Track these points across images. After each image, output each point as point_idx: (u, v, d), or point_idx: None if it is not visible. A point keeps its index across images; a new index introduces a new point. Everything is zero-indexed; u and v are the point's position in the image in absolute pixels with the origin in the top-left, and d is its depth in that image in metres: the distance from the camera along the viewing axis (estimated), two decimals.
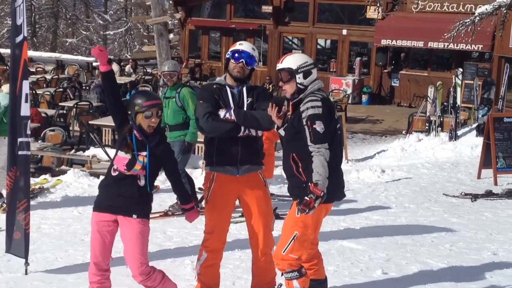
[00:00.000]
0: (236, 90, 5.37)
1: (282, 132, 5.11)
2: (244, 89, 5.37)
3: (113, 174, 4.99)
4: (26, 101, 6.44)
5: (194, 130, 8.75)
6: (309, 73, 5.00)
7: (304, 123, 4.84)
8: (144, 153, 4.88)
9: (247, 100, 5.33)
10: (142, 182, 4.94)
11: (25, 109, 6.42)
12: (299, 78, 4.97)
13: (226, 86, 5.36)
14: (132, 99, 4.96)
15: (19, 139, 6.43)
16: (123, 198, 4.93)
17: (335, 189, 4.99)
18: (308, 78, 4.99)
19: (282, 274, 5.18)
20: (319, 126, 4.78)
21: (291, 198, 5.13)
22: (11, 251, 6.59)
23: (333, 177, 4.85)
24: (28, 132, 6.46)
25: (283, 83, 5.05)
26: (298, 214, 4.91)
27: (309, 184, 4.74)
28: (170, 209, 8.98)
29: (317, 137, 4.78)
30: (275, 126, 5.15)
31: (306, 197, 4.71)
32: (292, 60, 5.02)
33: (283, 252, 5.02)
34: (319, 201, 4.70)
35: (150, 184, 4.99)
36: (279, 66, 5.05)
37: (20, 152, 6.43)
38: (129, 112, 4.91)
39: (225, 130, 5.23)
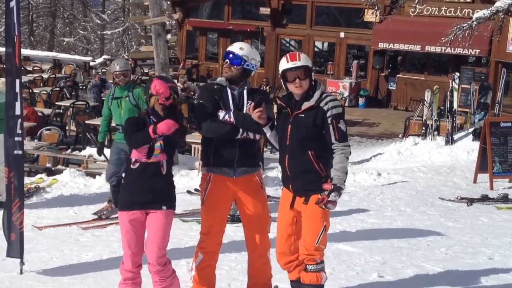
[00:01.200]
0: (236, 92, 5.35)
1: (267, 130, 5.17)
2: (245, 91, 5.36)
3: (134, 167, 5.03)
4: (16, 100, 6.41)
5: None
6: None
7: (329, 122, 4.95)
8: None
9: (247, 103, 5.31)
10: (164, 169, 5.02)
11: (17, 108, 6.40)
12: (312, 76, 5.09)
13: (227, 87, 5.35)
14: (148, 84, 5.08)
15: (15, 139, 6.41)
16: (151, 192, 5.00)
17: None
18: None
19: (306, 269, 5.09)
20: (343, 125, 4.98)
21: (300, 194, 5.10)
22: (10, 254, 6.58)
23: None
24: (19, 131, 6.43)
25: (300, 81, 5.01)
26: (323, 207, 4.98)
27: (328, 184, 4.88)
28: (105, 212, 8.84)
29: (341, 136, 4.96)
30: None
31: (319, 195, 4.89)
32: (307, 58, 5.09)
33: (316, 243, 5.04)
34: (334, 195, 4.87)
35: (170, 170, 5.12)
36: (297, 63, 5.00)
37: (15, 152, 6.41)
38: (145, 97, 5.18)
39: (223, 131, 5.22)
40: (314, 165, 5.00)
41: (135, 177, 5.05)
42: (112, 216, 8.78)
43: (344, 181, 4.95)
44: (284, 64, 5.05)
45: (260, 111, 5.07)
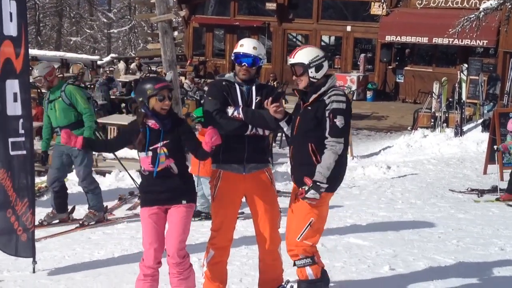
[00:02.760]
0: (245, 88, 5.35)
1: (284, 125, 5.19)
2: (254, 87, 5.35)
3: (145, 174, 5.09)
4: (15, 100, 6.37)
5: (90, 124, 8.45)
6: (320, 66, 5.06)
7: (327, 115, 4.94)
8: (161, 143, 4.97)
9: (256, 99, 5.31)
10: (175, 170, 5.05)
11: (14, 109, 6.38)
12: (311, 72, 5.03)
13: (236, 84, 5.34)
14: (141, 86, 5.03)
15: (10, 139, 6.38)
16: (168, 191, 5.05)
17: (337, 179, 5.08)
18: (320, 71, 5.06)
19: (294, 264, 5.15)
20: (339, 121, 4.92)
21: (298, 185, 5.10)
22: (18, 254, 6.60)
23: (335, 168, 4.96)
24: (22, 131, 6.40)
25: (297, 77, 5.09)
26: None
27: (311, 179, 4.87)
28: (85, 219, 8.76)
29: (334, 131, 4.91)
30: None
31: (299, 188, 4.94)
32: (304, 55, 5.05)
33: (298, 238, 5.05)
34: (313, 193, 4.86)
35: (183, 168, 5.14)
36: (291, 61, 5.08)
37: (12, 153, 6.40)
38: (140, 99, 4.95)
39: (232, 128, 5.22)
40: (312, 158, 4.99)
41: (149, 181, 5.10)
42: (91, 223, 8.66)
43: (327, 179, 4.89)
44: (288, 60, 5.15)
45: (276, 105, 5.10)
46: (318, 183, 4.88)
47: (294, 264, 5.17)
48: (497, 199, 10.45)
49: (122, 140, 5.38)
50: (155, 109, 4.97)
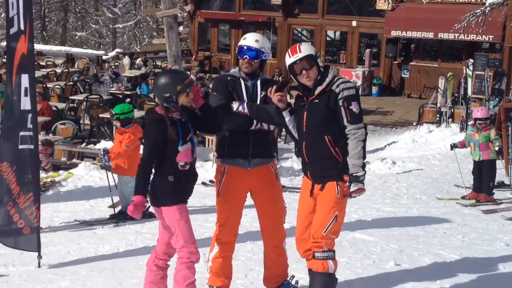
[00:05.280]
0: (250, 83, 5.33)
1: (286, 115, 5.13)
2: (258, 82, 5.34)
3: (186, 168, 4.96)
4: (26, 95, 6.41)
5: None
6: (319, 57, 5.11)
7: (341, 104, 4.91)
8: (192, 132, 4.98)
9: (261, 94, 5.30)
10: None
11: (25, 103, 6.40)
12: (319, 62, 5.04)
13: (240, 79, 5.33)
14: (166, 81, 4.88)
15: (20, 133, 6.42)
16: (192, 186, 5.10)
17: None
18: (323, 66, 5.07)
19: (313, 256, 5.04)
20: (355, 107, 4.92)
21: (318, 181, 5.07)
22: (18, 246, 6.62)
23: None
24: (30, 126, 6.43)
25: (307, 71, 5.01)
26: (338, 195, 4.97)
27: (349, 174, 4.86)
28: None
29: (354, 117, 4.91)
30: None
31: (315, 184, 4.93)
32: (308, 47, 5.06)
33: (324, 232, 5.01)
34: (354, 186, 4.89)
35: None
36: (298, 56, 4.99)
37: (21, 146, 6.42)
38: (167, 95, 4.82)
39: (237, 122, 5.21)
40: (331, 150, 4.96)
41: (185, 178, 4.99)
42: None
43: (362, 167, 4.91)
44: (288, 59, 5.05)
45: (281, 94, 5.07)
46: (355, 175, 4.87)
47: (313, 257, 5.07)
48: (463, 197, 10.22)
49: (158, 152, 4.93)
50: (183, 104, 4.90)
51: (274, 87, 5.10)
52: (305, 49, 5.02)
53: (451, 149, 10.78)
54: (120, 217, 8.62)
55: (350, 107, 4.90)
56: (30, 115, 6.43)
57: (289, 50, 5.09)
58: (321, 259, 5.05)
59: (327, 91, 4.97)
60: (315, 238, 5.06)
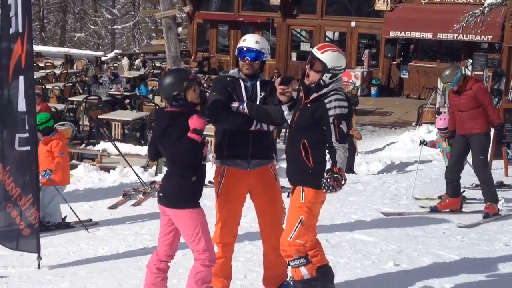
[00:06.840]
0: (249, 84, 5.34)
1: (285, 109, 5.12)
2: (258, 83, 5.34)
3: (205, 162, 5.06)
4: (23, 97, 6.40)
5: None
6: (336, 75, 4.97)
7: (331, 121, 4.86)
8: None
9: (260, 94, 5.30)
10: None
11: (22, 105, 6.39)
12: (326, 76, 4.94)
13: (240, 79, 5.33)
14: (171, 80, 4.86)
15: (17, 135, 6.41)
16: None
17: None
18: (332, 79, 4.96)
19: (288, 264, 5.12)
20: (344, 126, 4.88)
21: (291, 182, 5.10)
22: (19, 248, 6.62)
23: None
24: (27, 127, 6.42)
25: (311, 70, 4.99)
26: (302, 200, 4.94)
27: (333, 167, 4.76)
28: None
29: (342, 137, 4.87)
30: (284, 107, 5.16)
31: (335, 176, 4.73)
32: (331, 58, 4.93)
33: (290, 238, 4.99)
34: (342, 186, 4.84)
35: None
36: (317, 54, 4.94)
37: (18, 148, 6.42)
38: (174, 94, 4.80)
39: (237, 123, 5.21)
40: (303, 155, 4.95)
41: (203, 176, 5.06)
42: None
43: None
44: (313, 49, 5.03)
45: (283, 88, 5.05)
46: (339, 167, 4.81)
47: (288, 265, 5.13)
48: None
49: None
50: (192, 100, 4.88)
51: (279, 79, 5.10)
52: (328, 57, 4.91)
53: (419, 145, 10.42)
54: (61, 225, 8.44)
55: (341, 125, 4.86)
56: (26, 117, 6.42)
57: (321, 44, 5.07)
58: (294, 267, 5.08)
59: (319, 100, 4.93)
60: (282, 246, 5.06)
